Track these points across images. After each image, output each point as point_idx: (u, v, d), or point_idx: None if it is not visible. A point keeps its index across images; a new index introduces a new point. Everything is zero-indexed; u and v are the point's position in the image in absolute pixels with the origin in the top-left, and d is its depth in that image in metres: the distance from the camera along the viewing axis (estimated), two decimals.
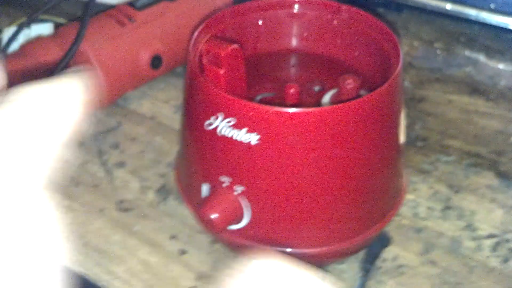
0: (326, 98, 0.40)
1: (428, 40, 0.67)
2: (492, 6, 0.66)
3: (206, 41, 0.37)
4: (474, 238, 0.45)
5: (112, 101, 0.54)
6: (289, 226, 0.35)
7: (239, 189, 0.35)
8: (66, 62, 0.48)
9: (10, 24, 0.67)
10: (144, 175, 0.49)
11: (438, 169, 0.50)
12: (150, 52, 0.54)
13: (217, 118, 0.34)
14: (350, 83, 0.38)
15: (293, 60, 0.45)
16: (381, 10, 0.72)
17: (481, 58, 0.64)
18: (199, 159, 0.37)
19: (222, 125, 0.34)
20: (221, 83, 0.36)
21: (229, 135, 0.34)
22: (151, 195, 0.48)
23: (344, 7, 0.42)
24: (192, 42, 0.37)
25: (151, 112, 0.56)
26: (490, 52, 0.65)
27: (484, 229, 0.45)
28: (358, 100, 0.33)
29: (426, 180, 0.49)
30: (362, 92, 0.40)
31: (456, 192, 0.48)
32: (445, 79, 0.61)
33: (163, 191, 0.48)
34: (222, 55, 0.35)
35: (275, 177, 0.34)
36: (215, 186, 0.36)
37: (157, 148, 0.52)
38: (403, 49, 0.65)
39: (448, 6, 0.68)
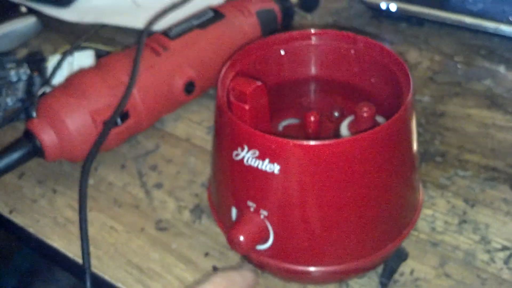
0: (344, 124, 0.44)
1: (449, 54, 0.69)
2: (511, 18, 0.68)
3: (232, 79, 0.41)
4: (487, 251, 0.47)
5: (149, 125, 0.59)
6: (309, 247, 0.39)
7: (264, 213, 0.39)
8: (122, 109, 0.52)
9: (53, 51, 0.73)
10: (180, 195, 0.54)
11: (456, 183, 0.53)
12: (183, 79, 0.58)
13: (243, 149, 0.38)
14: (366, 111, 0.42)
15: (313, 87, 0.49)
16: (403, 24, 0.75)
17: (501, 70, 0.67)
18: (229, 185, 0.41)
19: (247, 155, 0.38)
20: (246, 117, 0.40)
21: (254, 165, 0.38)
22: (186, 215, 0.52)
23: (360, 38, 0.45)
24: (220, 78, 0.42)
25: (186, 134, 0.60)
26: (509, 64, 0.67)
27: (498, 242, 0.48)
28: (370, 131, 0.36)
29: (444, 195, 0.52)
30: (378, 117, 0.44)
31: (472, 206, 0.51)
32: (465, 92, 0.64)
33: (197, 211, 0.52)
34: (247, 92, 0.39)
35: (295, 204, 0.38)
36: (243, 210, 0.40)
37: (191, 169, 0.56)
38: (425, 63, 0.68)
39: (468, 20, 0.70)
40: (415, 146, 0.42)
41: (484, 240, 0.48)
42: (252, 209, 0.40)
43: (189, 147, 0.59)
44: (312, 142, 0.36)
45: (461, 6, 0.71)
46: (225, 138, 0.40)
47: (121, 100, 0.52)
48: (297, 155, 0.36)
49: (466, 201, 0.52)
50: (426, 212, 0.51)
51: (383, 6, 0.74)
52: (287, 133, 0.46)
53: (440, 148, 0.57)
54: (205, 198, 0.53)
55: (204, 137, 0.60)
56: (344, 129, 0.43)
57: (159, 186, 0.55)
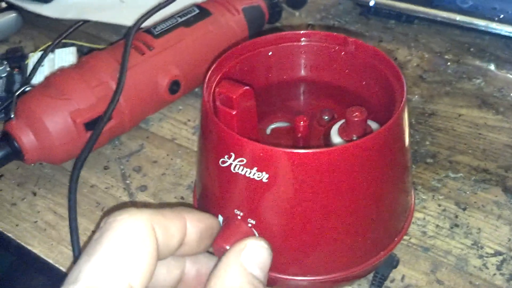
0: (334, 129, 0.42)
1: (439, 52, 0.68)
2: (501, 16, 0.67)
3: (218, 83, 0.39)
4: (480, 256, 0.46)
5: (133, 126, 0.57)
6: (298, 257, 0.38)
7: (251, 221, 0.38)
8: (109, 114, 0.50)
9: (34, 47, 0.71)
10: (165, 198, 0.52)
11: (447, 186, 0.52)
12: (168, 78, 0.56)
13: (230, 157, 0.36)
14: (357, 115, 0.40)
15: (303, 89, 0.47)
16: (392, 22, 0.73)
17: (491, 68, 0.66)
18: (215, 192, 0.40)
19: (235, 163, 0.36)
20: (233, 123, 0.38)
21: (242, 173, 0.36)
22: None
23: (350, 39, 0.44)
24: (205, 82, 0.40)
25: (171, 134, 0.59)
26: (500, 62, 0.66)
27: (490, 246, 0.47)
28: (362, 140, 0.35)
29: (435, 197, 0.51)
30: (369, 122, 0.43)
31: (464, 209, 0.50)
32: (455, 92, 0.63)
33: None
34: (234, 97, 0.37)
35: (285, 212, 0.36)
36: (230, 218, 0.39)
37: (177, 170, 0.55)
38: (414, 61, 0.67)
39: (458, 17, 0.69)
40: (408, 152, 0.40)
41: (477, 245, 0.47)
42: (239, 217, 0.38)
43: (174, 148, 0.57)
44: (301, 151, 0.34)
45: (451, 3, 0.70)
46: (211, 144, 0.38)
47: (108, 106, 0.51)
48: (286, 164, 0.35)
49: (457, 204, 0.51)
50: (417, 215, 0.50)
51: (371, 3, 0.73)
52: (275, 137, 0.45)
53: (430, 149, 0.56)
54: (191, 201, 0.51)
55: (190, 137, 0.58)
56: (334, 134, 0.42)
57: (143, 188, 0.53)
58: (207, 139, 0.39)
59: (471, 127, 0.58)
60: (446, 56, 0.68)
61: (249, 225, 0.38)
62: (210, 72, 0.41)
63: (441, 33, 0.71)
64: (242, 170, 0.36)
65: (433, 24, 0.72)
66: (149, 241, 0.31)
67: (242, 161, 0.36)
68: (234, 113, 0.38)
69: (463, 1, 0.70)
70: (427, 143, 0.57)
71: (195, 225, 0.35)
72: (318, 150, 0.34)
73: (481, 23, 0.68)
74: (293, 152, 0.34)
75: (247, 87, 0.38)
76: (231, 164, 0.37)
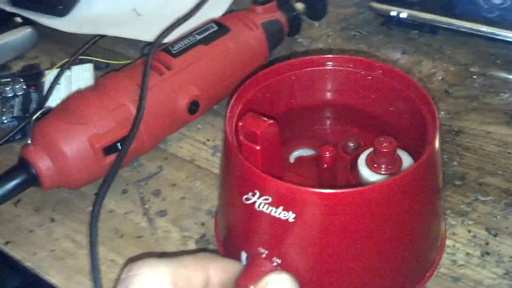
0: (362, 159, 0.41)
1: (464, 64, 0.66)
2: None
3: (241, 116, 0.38)
4: None
5: (152, 147, 0.56)
6: None
7: (277, 261, 0.36)
8: (130, 143, 0.49)
9: (50, 62, 0.70)
10: (185, 224, 0.51)
11: (477, 210, 0.50)
12: (187, 99, 0.55)
13: (254, 194, 0.35)
14: (386, 146, 0.39)
15: (328, 114, 0.46)
16: (415, 32, 0.71)
17: None
18: (239, 228, 0.38)
19: (259, 201, 0.35)
20: (257, 158, 0.37)
21: (267, 211, 0.35)
22: (191, 246, 0.49)
23: (377, 64, 0.42)
24: (227, 113, 0.38)
25: (190, 155, 0.57)
26: None
27: None
28: (394, 178, 0.33)
29: (464, 223, 0.49)
30: (398, 151, 0.41)
31: (495, 235, 0.48)
32: (483, 107, 0.61)
33: (203, 241, 0.49)
34: (258, 132, 0.36)
35: (312, 253, 0.35)
36: (254, 256, 0.37)
37: (196, 194, 0.53)
38: (439, 74, 0.65)
39: (484, 28, 0.67)
40: (441, 182, 0.39)
41: (509, 274, 0.45)
42: (263, 256, 0.37)
43: (194, 170, 0.56)
44: (330, 191, 0.33)
45: (476, 13, 0.67)
46: (234, 180, 0.37)
47: (129, 133, 0.49)
48: (314, 204, 0.33)
49: (488, 229, 0.49)
50: (446, 242, 0.48)
51: (393, 13, 0.70)
52: (300, 167, 0.43)
53: (458, 170, 0.54)
54: (212, 227, 0.50)
55: (209, 158, 0.57)
56: (362, 165, 0.40)
57: (162, 214, 0.52)
58: (230, 174, 0.38)
59: (500, 146, 0.56)
60: (472, 69, 0.66)
61: (274, 263, 0.36)
62: (231, 102, 0.39)
63: (466, 44, 0.69)
64: (267, 208, 0.35)
65: (458, 34, 0.70)
66: None
67: (267, 199, 0.35)
68: (258, 148, 0.36)
69: (489, 10, 0.68)
70: (455, 163, 0.55)
71: (218, 275, 0.33)
72: (348, 190, 0.33)
73: (508, 34, 0.66)
74: (322, 193, 0.33)
75: (272, 121, 0.36)
76: (255, 202, 0.35)
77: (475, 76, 0.65)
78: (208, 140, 0.59)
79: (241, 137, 0.37)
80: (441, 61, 0.67)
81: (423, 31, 0.71)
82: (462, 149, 0.56)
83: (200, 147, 0.58)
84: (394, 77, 0.41)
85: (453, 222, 0.49)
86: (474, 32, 0.68)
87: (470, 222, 0.49)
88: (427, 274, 0.40)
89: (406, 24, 0.71)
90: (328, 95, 0.45)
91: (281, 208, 0.34)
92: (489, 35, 0.67)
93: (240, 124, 0.36)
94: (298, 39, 0.71)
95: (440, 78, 0.65)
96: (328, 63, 0.43)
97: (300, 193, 0.33)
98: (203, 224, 0.51)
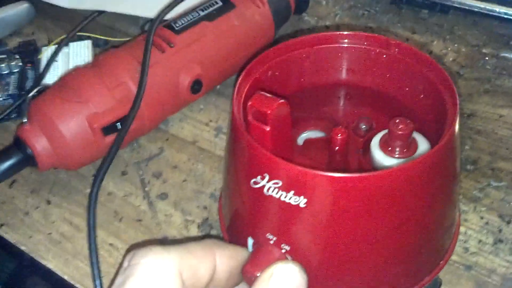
0: (375, 141, 0.39)
1: (476, 45, 0.64)
2: None
3: (249, 93, 0.36)
4: None
5: (153, 128, 0.54)
6: (336, 285, 0.34)
7: (286, 247, 0.34)
8: (130, 123, 0.47)
9: (47, 39, 0.67)
10: (187, 208, 0.49)
11: (489, 196, 0.49)
12: (190, 77, 0.53)
13: (263, 178, 0.33)
14: (402, 129, 0.37)
15: (339, 94, 0.44)
16: (425, 11, 0.69)
17: None
18: (245, 214, 0.36)
19: (268, 185, 0.33)
20: (267, 140, 0.34)
21: (277, 196, 0.33)
22: (194, 231, 0.47)
23: (393, 41, 0.40)
24: (234, 92, 0.36)
25: (192, 136, 0.55)
26: None
27: None
28: (412, 162, 0.31)
29: (476, 209, 0.48)
30: (414, 134, 0.39)
31: (508, 222, 0.47)
32: (495, 90, 0.59)
33: (206, 226, 0.47)
34: (268, 112, 0.34)
35: (323, 239, 0.33)
36: (262, 242, 0.35)
37: (199, 176, 0.51)
38: (450, 55, 0.63)
39: (498, 8, 0.65)
40: (458, 166, 0.37)
41: None
42: (271, 242, 0.35)
43: (196, 152, 0.54)
44: (344, 175, 0.31)
45: None
46: (241, 163, 0.35)
47: (129, 113, 0.47)
48: (327, 189, 0.31)
49: (501, 216, 0.47)
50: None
51: None
52: (309, 150, 0.41)
53: (471, 155, 0.52)
54: (215, 211, 0.48)
55: (212, 140, 0.55)
56: (375, 148, 0.38)
57: (163, 197, 0.50)
58: (237, 157, 0.36)
59: None
60: (484, 50, 0.63)
61: (283, 250, 0.35)
62: (239, 81, 0.37)
63: (478, 25, 0.67)
64: (277, 193, 0.33)
65: (469, 14, 0.67)
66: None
67: (277, 183, 0.32)
68: (268, 129, 0.34)
69: None
70: (467, 147, 0.53)
71: (225, 263, 0.31)
72: (363, 174, 0.31)
73: None
74: (336, 177, 0.31)
75: (282, 100, 0.34)
76: (264, 186, 0.33)
77: (487, 58, 0.62)
78: (211, 121, 0.57)
79: (249, 117, 0.35)
80: (452, 42, 0.65)
81: (434, 11, 0.68)
82: (474, 133, 0.54)
83: (203, 128, 0.56)
84: (411, 55, 0.39)
85: (465, 208, 0.48)
86: (486, 12, 0.65)
87: (483, 209, 0.48)
88: (441, 262, 0.38)
89: (417, 3, 0.69)
90: (341, 74, 0.42)
91: (292, 192, 0.32)
92: (501, 15, 0.65)
93: (250, 103, 0.34)
94: (305, 17, 0.68)
95: (451, 59, 0.63)
96: (341, 40, 0.41)
97: (313, 177, 0.31)
98: (205, 207, 0.49)
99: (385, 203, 0.32)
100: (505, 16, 0.64)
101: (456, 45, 0.64)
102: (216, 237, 0.46)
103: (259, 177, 0.33)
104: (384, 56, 0.40)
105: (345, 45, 0.41)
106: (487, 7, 0.65)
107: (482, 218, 0.47)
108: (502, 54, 0.63)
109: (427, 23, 0.68)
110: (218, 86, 0.60)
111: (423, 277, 0.37)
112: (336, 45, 0.40)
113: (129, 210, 0.49)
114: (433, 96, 0.37)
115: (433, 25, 0.67)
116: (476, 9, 0.66)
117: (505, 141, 0.53)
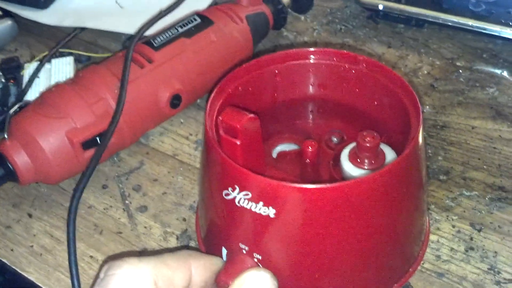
0: (345, 154, 0.40)
1: (450, 58, 0.66)
2: None
3: (221, 108, 0.37)
4: (497, 282, 0.44)
5: (133, 142, 0.55)
6: None
7: (257, 256, 0.35)
8: (109, 137, 0.48)
9: (30, 56, 0.68)
10: (166, 220, 0.50)
11: (461, 205, 0.50)
12: (169, 92, 0.54)
13: (234, 189, 0.34)
14: (369, 141, 0.38)
15: (311, 108, 0.45)
16: (401, 26, 0.71)
17: (505, 75, 0.63)
18: (219, 224, 0.37)
19: (239, 196, 0.34)
20: (238, 153, 0.36)
21: (247, 207, 0.34)
22: (173, 242, 0.48)
23: (361, 57, 0.41)
24: (207, 108, 0.38)
25: (172, 150, 0.56)
26: None
27: (508, 271, 0.45)
28: (376, 173, 0.32)
29: (449, 218, 0.49)
30: (382, 146, 0.40)
31: (479, 230, 0.48)
32: (468, 102, 0.60)
33: (184, 237, 0.48)
34: (238, 127, 0.35)
35: (293, 248, 0.34)
36: (234, 252, 0.36)
37: (178, 189, 0.52)
38: (425, 68, 0.64)
39: (471, 22, 0.67)
40: (425, 176, 0.38)
41: (493, 270, 0.45)
42: (244, 252, 0.36)
43: (176, 165, 0.55)
44: (311, 186, 0.32)
45: (463, 7, 0.67)
46: (214, 175, 0.36)
47: (108, 127, 0.48)
48: (295, 199, 0.32)
49: (472, 225, 0.48)
50: (431, 237, 0.47)
51: (380, 6, 0.70)
52: (282, 162, 0.43)
53: (443, 165, 0.53)
54: (193, 223, 0.49)
55: (191, 153, 0.56)
56: (344, 159, 0.39)
57: (143, 209, 0.51)
58: (210, 169, 0.37)
59: (485, 141, 0.56)
60: (458, 63, 0.65)
61: (255, 259, 0.36)
62: (212, 96, 0.38)
63: (452, 38, 0.68)
64: (247, 204, 0.34)
65: (444, 28, 0.69)
66: None
67: (247, 194, 0.34)
68: (238, 143, 0.35)
69: (476, 4, 0.67)
70: (440, 158, 0.54)
71: (200, 273, 0.32)
72: (328, 185, 0.32)
73: (495, 28, 0.65)
74: (302, 188, 0.32)
75: (252, 115, 0.35)
76: (235, 197, 0.34)
77: (460, 71, 0.64)
78: (190, 134, 0.58)
79: (221, 132, 0.36)
80: (427, 55, 0.66)
81: (409, 25, 0.70)
82: (447, 144, 0.56)
83: (183, 141, 0.57)
84: (378, 71, 0.40)
85: (437, 217, 0.49)
86: (460, 26, 0.67)
87: (455, 217, 0.49)
88: (411, 269, 0.39)
89: (393, 18, 0.70)
90: (311, 89, 0.44)
91: (261, 203, 0.33)
92: (475, 29, 0.66)
93: (220, 118, 0.35)
94: (284, 32, 0.70)
95: (425, 72, 0.64)
96: (310, 56, 0.42)
97: (280, 188, 0.32)
98: (184, 219, 0.50)
99: (352, 212, 0.33)
100: (479, 30, 0.66)
101: (430, 58, 0.66)
102: (195, 248, 0.47)
103: (230, 188, 0.34)
104: (353, 71, 0.42)
105: (315, 61, 0.42)
106: (461, 21, 0.67)
107: (454, 226, 0.48)
108: (476, 67, 0.64)
109: (402, 37, 0.69)
110: (198, 100, 0.61)
111: (393, 284, 0.38)
112: (307, 61, 0.42)
113: (109, 223, 0.50)
114: (399, 109, 0.39)
115: (408, 39, 0.69)
116: (450, 23, 0.67)
117: (477, 152, 0.55)
